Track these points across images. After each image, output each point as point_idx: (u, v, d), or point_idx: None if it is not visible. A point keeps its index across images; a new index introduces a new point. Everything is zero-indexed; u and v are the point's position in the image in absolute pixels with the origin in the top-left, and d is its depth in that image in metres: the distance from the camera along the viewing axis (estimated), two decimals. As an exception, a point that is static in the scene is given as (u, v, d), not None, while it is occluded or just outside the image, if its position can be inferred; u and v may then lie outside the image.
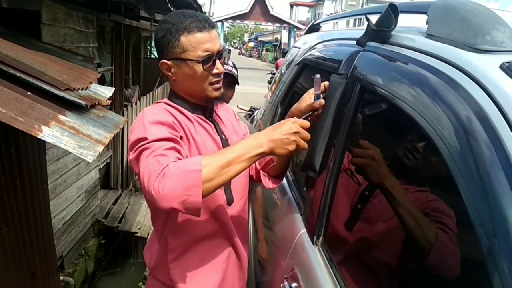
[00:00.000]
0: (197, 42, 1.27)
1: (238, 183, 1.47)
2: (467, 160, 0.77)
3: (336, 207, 1.39)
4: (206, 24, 1.28)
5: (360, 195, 1.32)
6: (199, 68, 1.29)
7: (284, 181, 1.93)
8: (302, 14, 44.02)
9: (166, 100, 1.42)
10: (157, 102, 1.41)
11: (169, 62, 1.32)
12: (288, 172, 1.99)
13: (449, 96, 0.87)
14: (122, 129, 5.95)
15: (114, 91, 5.43)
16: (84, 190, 4.37)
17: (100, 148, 2.11)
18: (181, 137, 1.28)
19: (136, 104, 6.62)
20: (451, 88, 0.87)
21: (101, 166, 5.29)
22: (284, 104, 2.36)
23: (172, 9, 4.94)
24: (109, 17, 5.01)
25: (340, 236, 1.38)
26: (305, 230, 1.49)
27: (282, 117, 2.37)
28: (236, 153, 1.14)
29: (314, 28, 2.68)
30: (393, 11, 1.23)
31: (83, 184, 4.36)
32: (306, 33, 2.75)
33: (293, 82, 2.31)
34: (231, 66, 2.29)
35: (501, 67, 0.81)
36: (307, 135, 1.21)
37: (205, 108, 1.42)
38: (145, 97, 7.28)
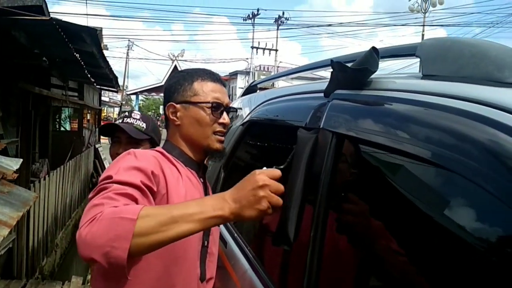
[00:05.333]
0: (209, 90, 1.30)
1: (212, 261, 1.34)
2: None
3: None
4: (219, 78, 1.35)
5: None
6: (207, 112, 1.27)
7: (245, 263, 1.61)
8: (216, 87, 45.78)
9: (160, 149, 1.32)
10: (152, 149, 1.30)
11: (177, 105, 1.29)
12: (247, 250, 1.67)
13: (487, 138, 0.70)
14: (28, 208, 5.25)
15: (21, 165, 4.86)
16: (-22, 284, 3.64)
17: (5, 231, 1.69)
18: (153, 191, 1.10)
19: (45, 179, 5.97)
20: (489, 127, 0.71)
21: (2, 252, 4.53)
22: (228, 168, 2.13)
23: (89, 76, 4.62)
24: (16, 85, 4.55)
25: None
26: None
27: (225, 181, 2.12)
28: (187, 210, 0.94)
29: (251, 90, 2.70)
30: (376, 54, 1.08)
31: (-22, 277, 3.63)
32: (243, 95, 2.69)
33: (238, 143, 2.10)
34: (138, 119, 1.86)
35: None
36: (280, 187, 1.00)
37: (198, 165, 1.34)
38: (55, 171, 6.61)
